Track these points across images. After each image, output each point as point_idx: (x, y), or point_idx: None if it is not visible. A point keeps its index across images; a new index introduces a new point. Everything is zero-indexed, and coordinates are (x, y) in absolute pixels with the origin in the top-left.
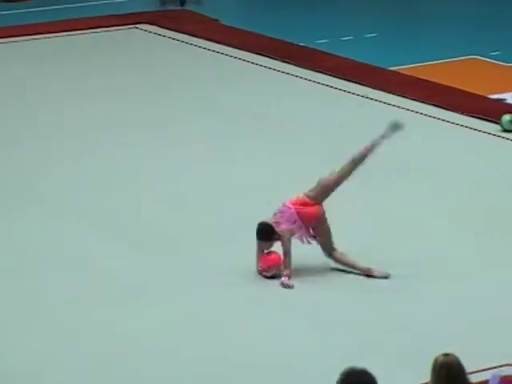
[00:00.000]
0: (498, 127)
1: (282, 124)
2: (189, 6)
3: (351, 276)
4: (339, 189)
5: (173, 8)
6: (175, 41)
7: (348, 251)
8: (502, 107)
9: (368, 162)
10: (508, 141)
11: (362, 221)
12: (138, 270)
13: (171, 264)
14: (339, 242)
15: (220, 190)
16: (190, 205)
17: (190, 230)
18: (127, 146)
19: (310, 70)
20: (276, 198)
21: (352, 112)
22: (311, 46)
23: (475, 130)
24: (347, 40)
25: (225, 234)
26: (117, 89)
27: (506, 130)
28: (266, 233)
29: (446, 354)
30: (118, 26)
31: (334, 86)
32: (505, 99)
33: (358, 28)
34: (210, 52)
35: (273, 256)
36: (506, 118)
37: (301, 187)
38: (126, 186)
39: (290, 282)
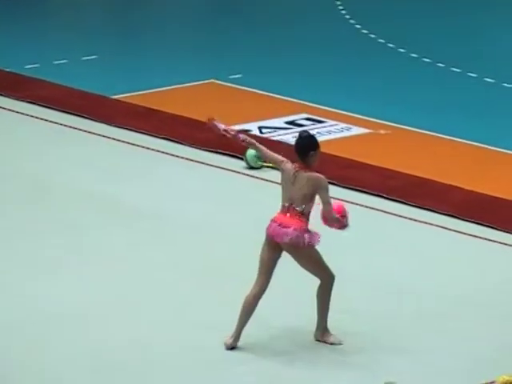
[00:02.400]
0: (243, 163)
1: None
2: None
3: None
4: None
5: None
6: None
7: None
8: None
9: None
10: (254, 179)
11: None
12: None
13: None
14: None
15: None
16: None
17: None
18: None
19: (20, 100)
20: None
21: (73, 148)
22: (20, 71)
23: (216, 167)
24: (61, 64)
25: None
26: None
27: (252, 167)
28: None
29: None
30: None
31: (50, 118)
32: (250, 130)
33: (74, 49)
34: None
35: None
36: (252, 152)
37: None
38: None
39: None
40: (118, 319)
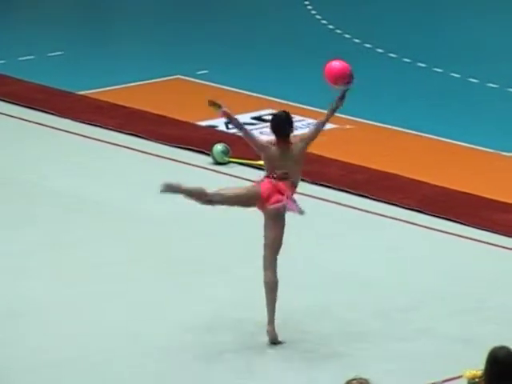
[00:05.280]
0: (210, 159)
1: None
2: None
3: None
4: None
5: None
6: None
7: None
8: (213, 136)
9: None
10: (221, 175)
11: None
12: None
13: None
14: None
15: None
16: None
17: None
18: None
19: None
20: None
21: (38, 144)
22: None
23: (183, 162)
24: (27, 60)
25: None
26: None
27: (218, 163)
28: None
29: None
30: None
31: (14, 114)
32: (216, 126)
33: (40, 45)
34: None
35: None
36: (219, 148)
37: None
38: None
39: None
40: (76, 314)
